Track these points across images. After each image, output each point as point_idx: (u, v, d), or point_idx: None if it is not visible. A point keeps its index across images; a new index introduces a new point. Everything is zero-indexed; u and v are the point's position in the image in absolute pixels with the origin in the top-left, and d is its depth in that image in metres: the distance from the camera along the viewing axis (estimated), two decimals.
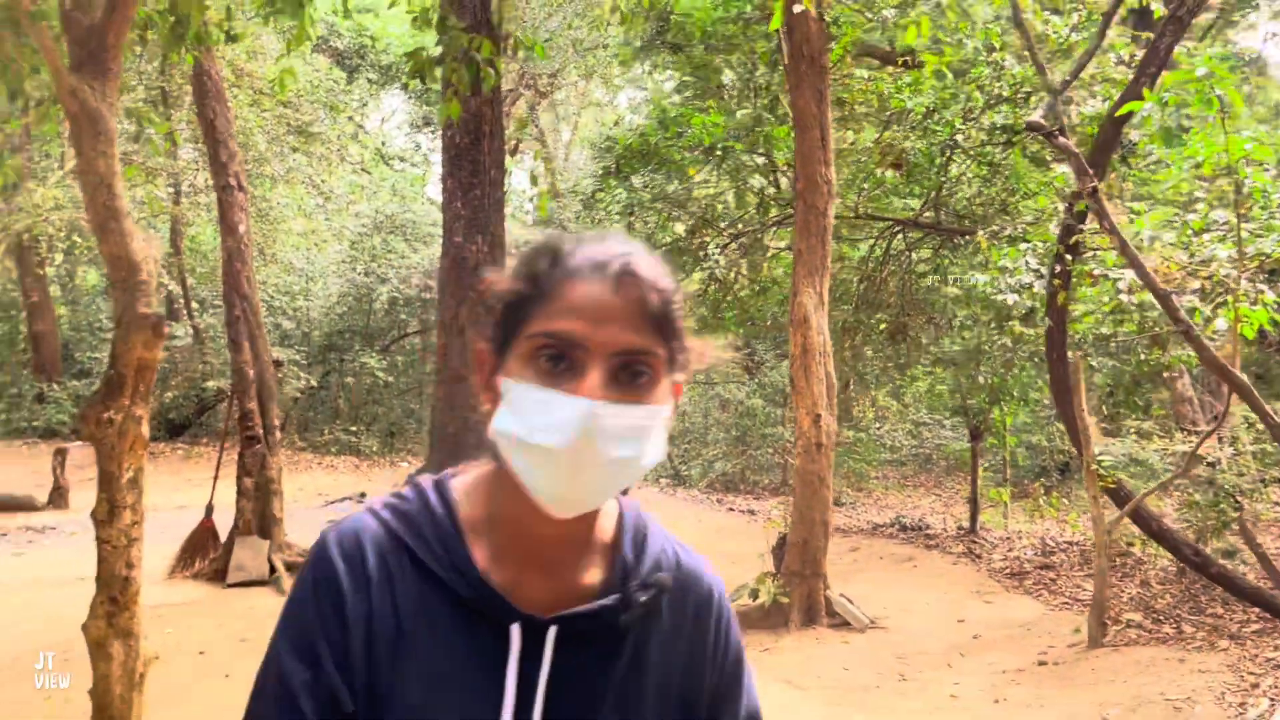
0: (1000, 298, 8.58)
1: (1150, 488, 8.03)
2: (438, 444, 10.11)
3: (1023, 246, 8.84)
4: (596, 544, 1.16)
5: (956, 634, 7.82)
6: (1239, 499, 7.76)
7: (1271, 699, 5.48)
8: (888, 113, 11.59)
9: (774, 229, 13.77)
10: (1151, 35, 7.94)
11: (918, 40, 7.34)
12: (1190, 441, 7.90)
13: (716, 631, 1.21)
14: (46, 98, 5.91)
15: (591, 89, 27.43)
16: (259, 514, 8.71)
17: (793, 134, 8.74)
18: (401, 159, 27.63)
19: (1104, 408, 13.39)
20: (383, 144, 27.06)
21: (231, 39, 5.96)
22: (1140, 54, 7.98)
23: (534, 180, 23.97)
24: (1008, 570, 9.92)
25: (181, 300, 18.30)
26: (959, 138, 10.84)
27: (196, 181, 17.07)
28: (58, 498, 12.39)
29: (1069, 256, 7.76)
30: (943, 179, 11.49)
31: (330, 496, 13.69)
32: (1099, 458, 7.37)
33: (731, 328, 12.72)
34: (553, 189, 23.86)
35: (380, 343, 19.92)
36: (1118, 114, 7.27)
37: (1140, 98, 6.27)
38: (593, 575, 1.14)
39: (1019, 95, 10.31)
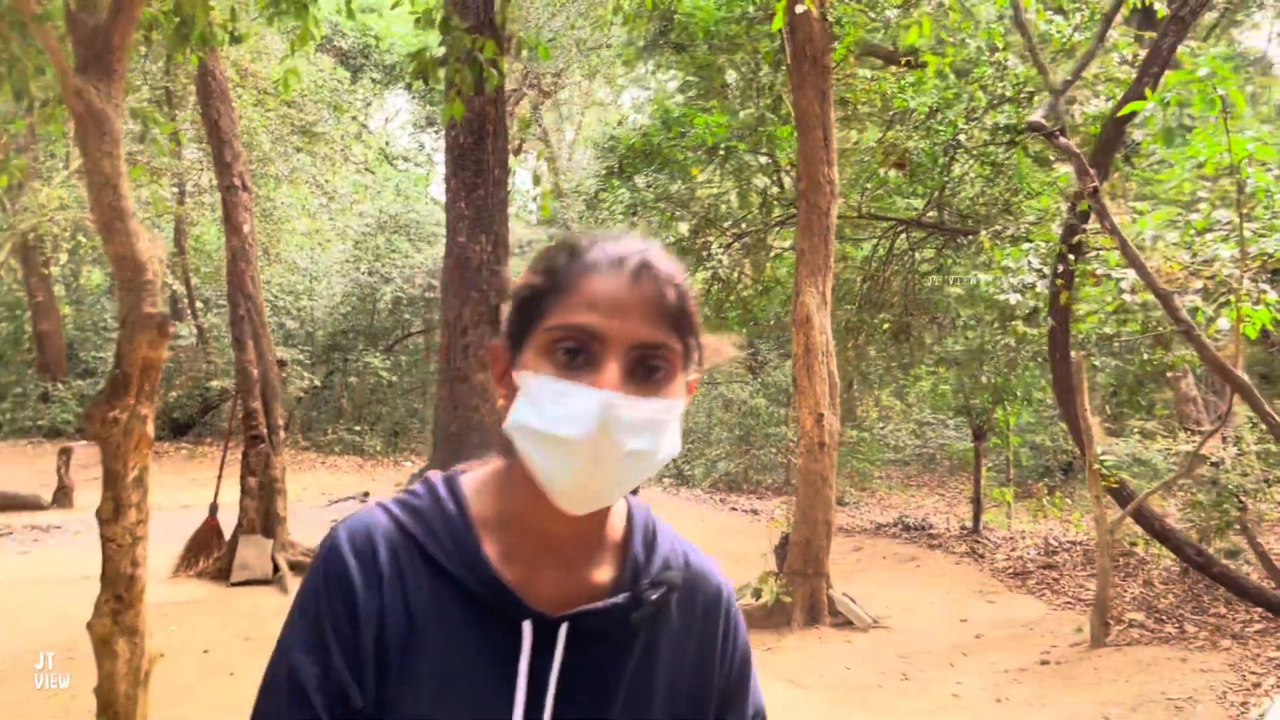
0: (1003, 297, 8.59)
1: (1152, 487, 8.03)
2: (440, 443, 10.11)
3: (1025, 246, 8.84)
4: (607, 543, 1.16)
5: (959, 633, 7.83)
6: (1242, 499, 7.76)
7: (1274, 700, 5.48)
8: (891, 112, 11.59)
9: (777, 229, 13.78)
10: (1155, 35, 7.94)
11: (920, 40, 7.35)
12: (1194, 441, 7.90)
13: (725, 631, 1.22)
14: (52, 98, 5.94)
15: (595, 89, 27.46)
16: (263, 513, 8.73)
17: (795, 134, 8.75)
18: (405, 159, 27.67)
19: (1107, 407, 13.39)
20: (386, 144, 27.11)
21: (236, 40, 5.98)
22: (1143, 54, 7.98)
23: (537, 180, 24.00)
24: (1011, 570, 9.92)
25: (186, 300, 18.34)
26: (962, 137, 10.84)
27: (201, 181, 17.12)
28: (62, 497, 12.43)
29: (1072, 256, 7.76)
30: (946, 179, 11.49)
31: (334, 496, 13.71)
32: (1101, 457, 7.37)
33: (734, 327, 12.72)
34: (556, 189, 23.88)
35: (384, 342, 19.95)
36: (1120, 114, 7.27)
37: (1143, 97, 6.27)
38: (603, 574, 1.14)
39: (1022, 95, 10.31)
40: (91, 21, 3.61)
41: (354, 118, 22.16)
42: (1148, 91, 6.26)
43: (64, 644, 5.84)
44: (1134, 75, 7.96)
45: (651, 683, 1.14)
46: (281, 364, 10.36)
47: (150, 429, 3.69)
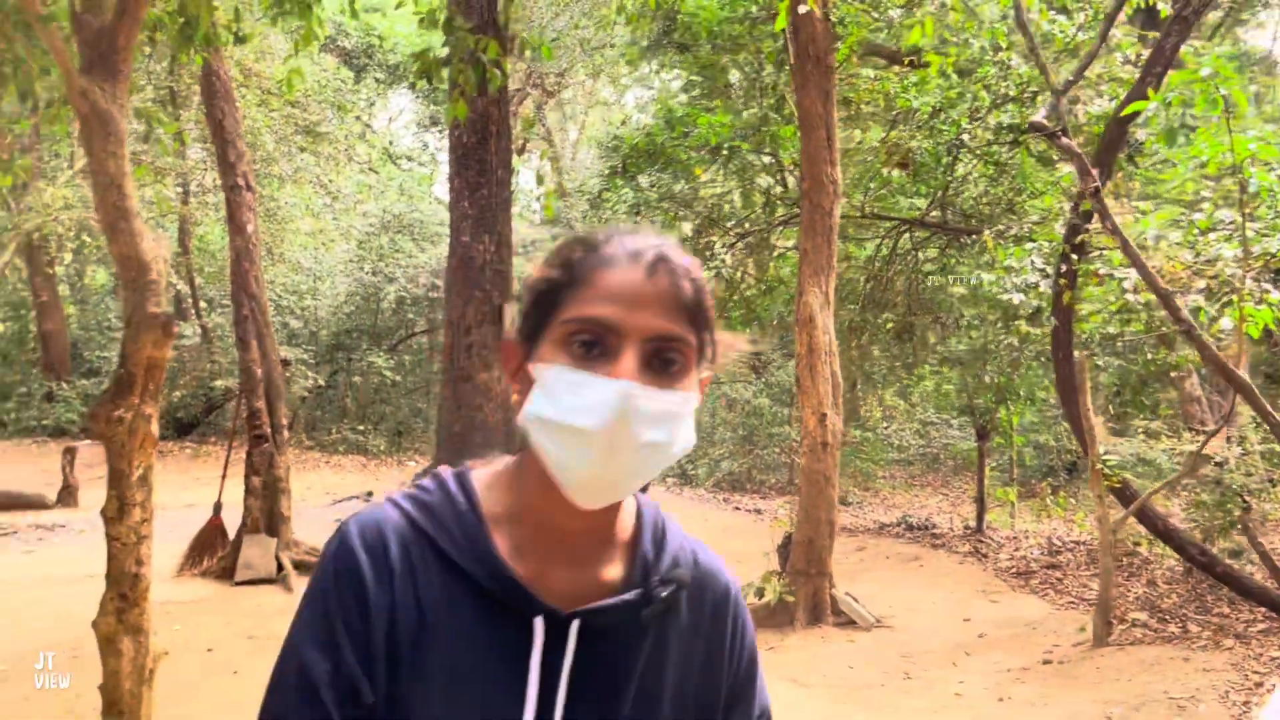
0: (1006, 297, 8.59)
1: (1155, 487, 8.03)
2: (444, 443, 10.13)
3: (1028, 246, 8.84)
4: (617, 540, 1.16)
5: (962, 633, 7.83)
6: (1247, 498, 7.75)
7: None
8: (894, 112, 11.59)
9: (780, 228, 13.78)
10: (1158, 35, 7.94)
11: (923, 40, 7.35)
12: (1198, 441, 7.90)
13: (733, 629, 1.22)
14: (56, 98, 5.96)
15: (599, 88, 27.45)
16: (267, 512, 8.75)
17: (799, 134, 8.75)
18: (409, 158, 27.68)
19: (1110, 407, 13.39)
20: (390, 143, 27.13)
21: (240, 40, 5.99)
22: (1146, 53, 7.98)
23: (540, 180, 24.02)
24: (1014, 570, 9.92)
25: (190, 299, 18.37)
26: (965, 137, 10.84)
27: (205, 181, 17.15)
28: (67, 496, 12.46)
29: (1075, 256, 7.76)
30: (949, 178, 11.49)
31: (337, 495, 13.74)
32: (1105, 457, 7.37)
33: (738, 327, 12.73)
34: (560, 188, 23.89)
35: (387, 342, 19.97)
36: (1123, 114, 7.27)
37: (1145, 97, 6.27)
38: (614, 571, 1.14)
39: (1025, 95, 10.31)
40: (97, 22, 3.62)
41: (358, 117, 22.18)
42: (1150, 91, 6.25)
43: (69, 642, 5.86)
44: (1137, 75, 7.96)
45: (661, 680, 1.13)
46: (285, 363, 10.38)
47: (155, 428, 3.70)
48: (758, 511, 13.81)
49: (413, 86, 23.82)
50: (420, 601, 1.07)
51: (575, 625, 1.08)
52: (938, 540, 11.43)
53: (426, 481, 1.16)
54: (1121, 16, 8.95)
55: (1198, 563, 7.87)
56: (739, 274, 14.35)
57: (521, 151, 23.79)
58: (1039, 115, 7.70)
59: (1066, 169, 10.16)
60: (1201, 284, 6.76)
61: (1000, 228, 10.72)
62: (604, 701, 1.09)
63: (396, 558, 1.08)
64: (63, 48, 3.77)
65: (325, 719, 1.02)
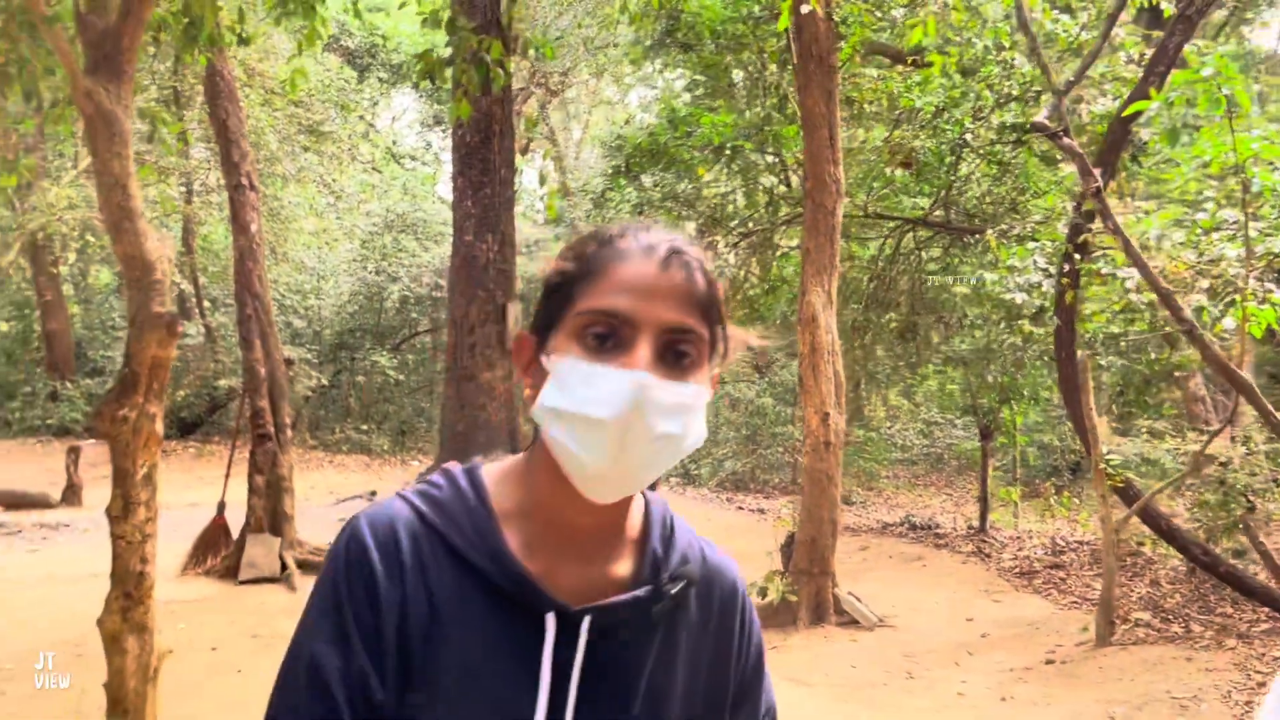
0: (1009, 297, 8.59)
1: (1158, 487, 8.03)
2: (447, 442, 10.15)
3: (1031, 245, 8.84)
4: (626, 537, 1.16)
5: (965, 632, 7.83)
6: (1251, 498, 7.74)
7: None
8: (897, 111, 11.59)
9: (784, 228, 13.78)
10: (1161, 34, 7.93)
11: (926, 39, 7.35)
12: (1201, 441, 7.89)
13: (741, 626, 1.22)
14: (61, 98, 5.97)
15: (602, 87, 27.45)
16: (270, 511, 8.77)
17: (802, 133, 8.75)
18: (412, 158, 27.71)
19: (1114, 407, 13.38)
20: (393, 143, 27.16)
21: (244, 41, 6.01)
22: (1150, 53, 7.97)
23: (543, 179, 24.03)
24: (1017, 569, 9.92)
25: (193, 299, 18.39)
26: (968, 137, 10.84)
27: (208, 181, 17.18)
28: (71, 495, 12.48)
29: (1077, 255, 7.76)
30: (952, 178, 11.49)
31: (341, 494, 13.75)
32: (1108, 457, 7.37)
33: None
34: (563, 188, 23.89)
35: (391, 341, 19.99)
36: (1125, 114, 7.27)
37: (1147, 97, 6.27)
38: (623, 568, 1.14)
39: (1028, 94, 10.30)
40: (101, 23, 3.64)
41: (361, 117, 22.22)
42: (1152, 91, 6.25)
43: (73, 641, 5.89)
44: (1140, 74, 7.95)
45: (671, 677, 1.13)
46: (289, 363, 10.40)
47: (159, 427, 3.71)
48: (761, 511, 13.82)
49: (416, 86, 23.84)
50: (432, 597, 1.06)
51: (586, 622, 1.08)
52: (941, 540, 11.43)
53: (436, 477, 1.16)
54: (1126, 16, 8.95)
55: (1201, 563, 7.86)
56: (742, 273, 14.35)
57: (525, 151, 23.78)
58: (1041, 115, 7.70)
59: (1069, 169, 10.15)
60: (1205, 284, 6.75)
61: (1003, 227, 10.72)
62: (615, 698, 1.09)
63: (408, 552, 1.07)
64: (68, 48, 3.79)
65: (336, 714, 1.02)
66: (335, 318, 19.83)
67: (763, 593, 7.81)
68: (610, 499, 1.06)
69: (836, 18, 8.51)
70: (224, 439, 17.67)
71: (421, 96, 25.47)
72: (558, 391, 1.04)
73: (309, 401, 18.77)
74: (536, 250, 18.37)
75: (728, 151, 12.00)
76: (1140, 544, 9.24)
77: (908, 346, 13.65)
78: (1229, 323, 6.36)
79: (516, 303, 9.91)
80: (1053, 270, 8.26)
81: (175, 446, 17.27)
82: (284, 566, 8.54)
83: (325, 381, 18.55)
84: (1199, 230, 6.77)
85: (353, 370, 19.69)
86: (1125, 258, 6.76)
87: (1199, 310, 6.50)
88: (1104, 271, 7.38)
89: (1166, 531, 8.05)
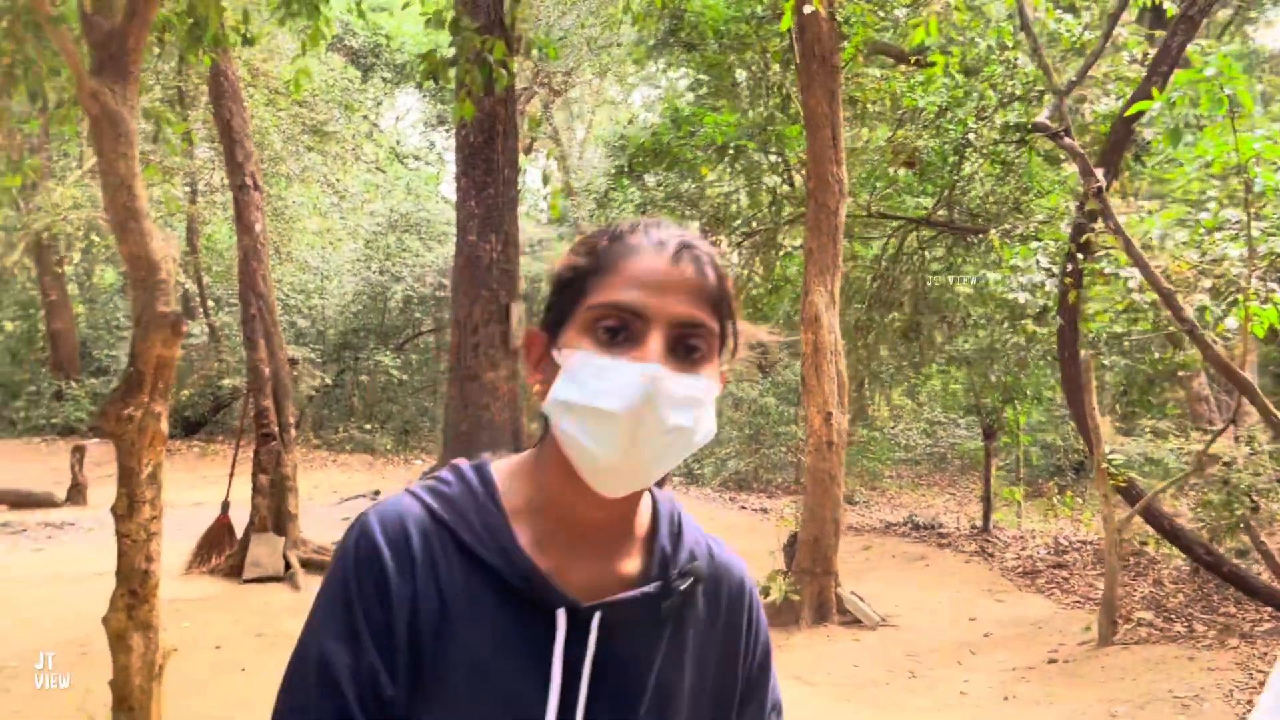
0: (1012, 296, 8.59)
1: (1160, 486, 8.03)
2: (451, 442, 10.15)
3: (1034, 245, 8.84)
4: (634, 533, 1.16)
5: (967, 632, 7.84)
6: (1255, 498, 7.74)
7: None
8: (900, 111, 11.59)
9: (787, 227, 13.79)
10: (1165, 34, 7.93)
11: (929, 39, 7.35)
12: (1205, 440, 7.89)
13: (749, 622, 1.22)
14: (66, 99, 5.99)
15: (605, 87, 27.45)
16: (274, 511, 8.79)
17: (805, 133, 8.76)
18: (416, 157, 27.72)
19: (1118, 406, 13.37)
20: (397, 142, 27.17)
21: (248, 42, 6.02)
22: (1153, 52, 7.97)
23: (547, 179, 24.03)
24: (1020, 569, 9.92)
25: (198, 299, 18.42)
26: (971, 136, 10.83)
27: (212, 180, 17.19)
28: (76, 494, 12.52)
29: (1080, 255, 7.76)
30: (955, 177, 11.48)
31: (345, 494, 13.78)
32: (1110, 456, 7.37)
33: None
34: (566, 187, 23.91)
35: (394, 341, 20.01)
36: (1127, 113, 7.27)
37: (1150, 97, 6.28)
38: (632, 564, 1.14)
39: (1031, 94, 10.30)
40: (107, 25, 3.66)
41: (365, 117, 22.22)
42: (1154, 91, 6.26)
43: (78, 639, 5.91)
44: (1144, 74, 7.95)
45: (679, 673, 1.14)
46: (293, 362, 10.42)
47: (164, 426, 3.73)
48: (764, 510, 13.82)
49: (420, 86, 23.83)
50: (442, 593, 1.06)
51: (597, 618, 1.08)
52: (944, 539, 11.44)
53: (445, 474, 1.15)
54: (1129, 15, 8.95)
55: (1204, 562, 7.86)
56: (746, 273, 14.35)
57: (528, 151, 23.80)
58: (1043, 115, 7.71)
59: (1072, 168, 10.14)
60: (1207, 283, 6.76)
61: (1006, 227, 10.73)
62: (624, 694, 1.09)
63: (418, 549, 1.07)
64: (73, 49, 3.81)
65: (345, 711, 1.01)
66: (339, 317, 19.86)
67: (765, 592, 7.82)
68: (620, 493, 1.06)
69: (839, 18, 8.51)
70: (228, 438, 17.69)
71: (425, 96, 25.48)
72: (570, 384, 1.04)
73: (313, 401, 18.79)
74: (540, 250, 18.39)
75: (731, 151, 12.00)
76: (1143, 544, 9.24)
77: (911, 346, 13.64)
78: (1231, 322, 6.36)
79: (520, 302, 9.91)
80: (1056, 270, 8.27)
81: (179, 446, 17.30)
82: (288, 565, 8.56)
83: (329, 381, 18.57)
84: (1202, 230, 6.77)
85: (356, 370, 19.72)
86: (1127, 257, 6.77)
87: (1201, 310, 6.51)
88: (1107, 271, 7.38)
89: (1169, 531, 8.05)
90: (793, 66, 10.40)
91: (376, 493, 13.77)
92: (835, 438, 7.97)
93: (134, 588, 3.69)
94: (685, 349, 1.06)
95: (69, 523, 11.26)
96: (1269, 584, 7.50)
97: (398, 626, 1.04)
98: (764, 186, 13.51)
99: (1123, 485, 7.66)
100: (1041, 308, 8.97)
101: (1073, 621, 7.84)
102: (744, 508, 14.32)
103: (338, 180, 19.58)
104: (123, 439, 3.62)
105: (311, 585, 8.21)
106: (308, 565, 8.62)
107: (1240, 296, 6.15)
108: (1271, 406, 6.24)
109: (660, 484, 1.18)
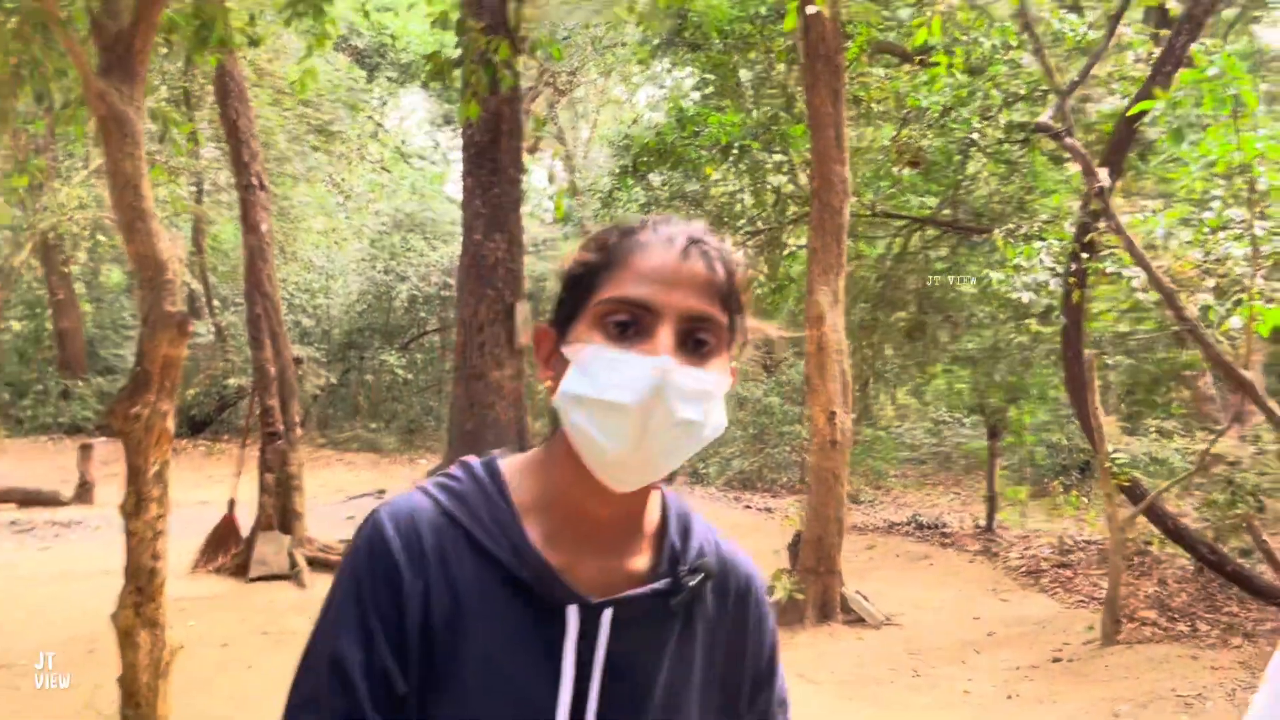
0: (1016, 295, 8.59)
1: (1164, 486, 8.02)
2: (456, 441, 10.18)
3: (1038, 244, 8.84)
4: (644, 530, 1.16)
5: (971, 631, 7.84)
6: (1260, 498, 7.73)
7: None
8: (904, 111, 11.59)
9: (791, 227, 13.80)
10: (1169, 33, 7.93)
11: (932, 38, 7.36)
12: (1210, 440, 7.89)
13: (757, 618, 1.23)
14: (72, 99, 6.02)
15: (610, 87, 27.45)
16: (280, 509, 8.82)
17: (809, 132, 8.77)
18: (421, 157, 27.74)
19: (1123, 406, 13.35)
20: (402, 142, 27.19)
21: (254, 43, 6.05)
22: (1157, 52, 7.97)
23: (552, 178, 24.08)
24: (1024, 568, 9.92)
25: (204, 298, 18.47)
26: (976, 136, 10.83)
27: (218, 180, 17.24)
28: (83, 493, 12.55)
29: (1084, 254, 7.76)
30: (960, 177, 11.49)
31: (350, 493, 13.80)
32: (1114, 456, 7.37)
33: None
34: (571, 187, 23.91)
35: (400, 340, 20.05)
36: (1130, 113, 7.27)
37: (1153, 96, 6.28)
38: (641, 561, 1.14)
39: (1036, 93, 10.30)
40: (114, 26, 3.68)
41: (370, 116, 22.25)
42: (1157, 90, 6.26)
43: (86, 637, 5.94)
44: (1148, 73, 7.95)
45: (688, 669, 1.14)
46: (298, 362, 10.46)
47: (171, 425, 3.76)
48: (768, 510, 13.83)
49: (425, 86, 23.85)
50: (454, 590, 1.06)
51: (608, 614, 1.08)
52: (948, 539, 11.44)
53: (455, 470, 1.16)
54: (1136, 15, 8.95)
55: (1208, 561, 7.86)
56: (751, 272, 14.36)
57: (533, 150, 23.82)
58: (1045, 115, 7.71)
59: (1076, 168, 10.15)
60: (1211, 283, 6.75)
61: (1011, 226, 10.72)
62: (634, 690, 1.10)
63: (430, 545, 1.07)
64: (80, 50, 3.83)
65: (357, 707, 1.02)
66: (344, 317, 19.90)
67: (770, 591, 7.83)
68: (630, 487, 1.06)
69: (843, 18, 8.52)
70: (234, 437, 17.73)
71: (430, 96, 25.50)
72: (580, 378, 1.05)
73: (318, 400, 18.85)
74: (545, 249, 18.41)
75: (735, 151, 12.01)
76: (1148, 543, 9.23)
77: (915, 345, 13.64)
78: (1236, 322, 6.36)
79: (525, 302, 9.93)
80: (1060, 269, 8.27)
81: (185, 445, 17.35)
82: (294, 564, 8.58)
83: (334, 380, 18.63)
84: (1205, 229, 6.77)
85: (361, 369, 19.77)
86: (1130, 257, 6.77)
87: (1205, 309, 6.51)
88: (1111, 270, 7.38)
89: (1174, 531, 8.05)
90: (797, 66, 10.41)
91: (382, 491, 13.79)
92: (839, 437, 7.98)
93: (141, 585, 3.71)
94: (695, 343, 1.06)
95: (76, 521, 11.30)
96: (1272, 583, 7.49)
97: (409, 623, 1.05)
98: (768, 186, 13.52)
99: (1127, 485, 7.66)
100: (1046, 307, 8.97)
101: (1076, 621, 7.84)
102: (748, 507, 14.32)
103: (343, 180, 19.64)
104: (130, 437, 3.65)
105: (317, 583, 8.24)
106: (313, 564, 8.65)
107: (1244, 296, 6.15)
108: (1273, 406, 6.24)
109: (668, 482, 1.18)
